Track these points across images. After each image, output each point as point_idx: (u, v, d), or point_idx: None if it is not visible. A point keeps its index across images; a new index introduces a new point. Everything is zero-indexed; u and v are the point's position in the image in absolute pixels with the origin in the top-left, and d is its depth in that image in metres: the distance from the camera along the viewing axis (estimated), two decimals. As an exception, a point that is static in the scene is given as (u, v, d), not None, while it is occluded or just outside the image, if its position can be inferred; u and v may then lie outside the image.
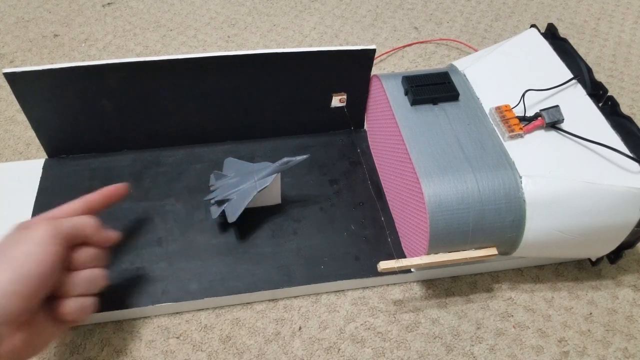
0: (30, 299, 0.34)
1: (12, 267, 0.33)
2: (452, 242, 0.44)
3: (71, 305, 0.37)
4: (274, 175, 0.49)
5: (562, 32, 0.61)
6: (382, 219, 0.53)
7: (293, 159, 0.48)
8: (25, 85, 0.49)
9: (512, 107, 0.48)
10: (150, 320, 0.47)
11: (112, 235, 0.42)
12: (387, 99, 0.51)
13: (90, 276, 0.39)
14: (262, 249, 0.50)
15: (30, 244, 0.35)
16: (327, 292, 0.49)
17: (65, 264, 0.37)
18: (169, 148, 0.58)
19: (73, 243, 0.38)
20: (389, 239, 0.51)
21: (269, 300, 0.48)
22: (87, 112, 0.53)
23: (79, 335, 0.45)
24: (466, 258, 0.45)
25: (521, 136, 0.47)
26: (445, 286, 0.50)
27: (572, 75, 0.52)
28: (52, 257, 0.35)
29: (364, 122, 0.61)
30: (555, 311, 0.49)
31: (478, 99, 0.50)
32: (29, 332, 0.35)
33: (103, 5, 0.82)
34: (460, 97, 0.50)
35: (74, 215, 0.40)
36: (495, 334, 0.47)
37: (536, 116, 0.48)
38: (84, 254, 0.39)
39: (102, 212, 0.52)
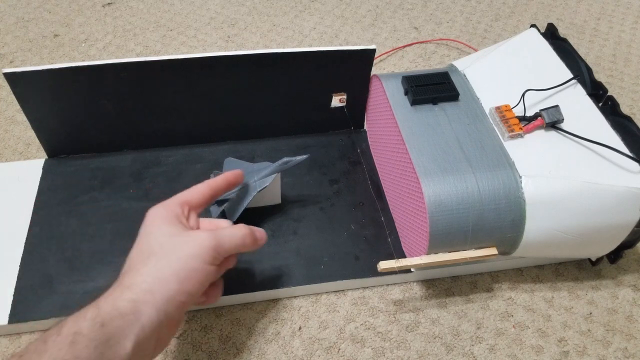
0: (186, 308, 0.36)
1: (180, 279, 0.35)
2: (452, 242, 0.44)
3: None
4: (274, 175, 0.49)
5: (562, 32, 0.61)
6: (382, 219, 0.53)
7: (293, 159, 0.48)
8: (25, 85, 0.49)
9: (512, 107, 0.48)
10: (150, 320, 0.47)
11: (262, 238, 0.42)
12: (387, 99, 0.51)
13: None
14: (262, 249, 0.50)
15: (197, 259, 0.36)
16: (327, 292, 0.49)
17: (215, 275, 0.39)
18: (169, 148, 0.58)
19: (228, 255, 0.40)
20: (389, 239, 0.51)
21: (269, 300, 0.48)
22: (87, 112, 0.53)
23: (79, 335, 0.45)
24: (466, 258, 0.45)
25: (521, 136, 0.47)
26: (445, 286, 0.50)
27: (572, 75, 0.52)
28: (211, 276, 0.37)
29: (364, 122, 0.61)
30: (555, 311, 0.49)
31: (478, 99, 0.50)
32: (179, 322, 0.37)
33: (103, 5, 0.82)
34: (460, 97, 0.50)
35: (202, 198, 0.41)
36: (495, 334, 0.47)
37: (536, 116, 0.48)
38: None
39: (102, 213, 0.52)
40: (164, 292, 0.34)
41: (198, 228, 0.41)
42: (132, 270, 0.35)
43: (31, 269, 0.47)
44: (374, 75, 0.55)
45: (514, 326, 0.48)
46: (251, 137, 0.59)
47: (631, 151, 0.45)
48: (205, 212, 0.52)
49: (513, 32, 0.80)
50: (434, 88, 0.50)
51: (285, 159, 0.48)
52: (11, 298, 0.45)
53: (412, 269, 0.49)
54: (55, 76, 0.49)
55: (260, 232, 0.42)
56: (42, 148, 0.56)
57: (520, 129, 0.47)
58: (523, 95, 0.49)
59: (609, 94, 0.51)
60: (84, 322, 0.31)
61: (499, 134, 0.47)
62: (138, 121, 0.55)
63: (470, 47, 0.77)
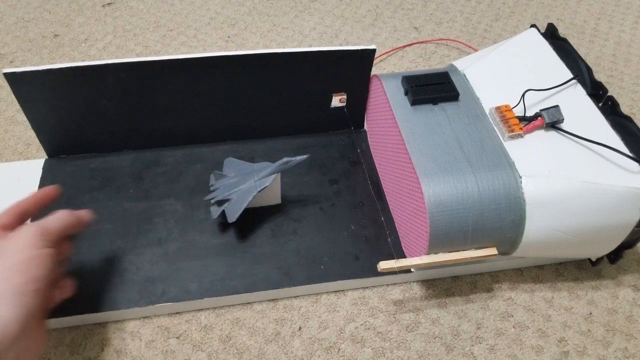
0: (45, 296, 0.36)
1: (21, 270, 0.35)
2: (452, 242, 0.44)
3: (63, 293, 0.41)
4: (274, 175, 0.49)
5: (562, 32, 0.61)
6: (382, 219, 0.53)
7: (293, 159, 0.48)
8: (25, 85, 0.49)
9: (512, 107, 0.48)
10: (150, 320, 0.47)
11: (85, 216, 0.43)
12: (387, 99, 0.51)
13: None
14: (262, 249, 0.50)
15: (29, 248, 0.36)
16: (327, 292, 0.49)
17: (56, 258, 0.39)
18: (169, 148, 0.58)
19: (59, 239, 0.40)
20: (389, 239, 0.51)
21: (269, 300, 0.48)
22: (87, 112, 0.53)
23: (79, 335, 0.45)
24: (466, 258, 0.45)
25: (521, 136, 0.47)
26: (445, 286, 0.50)
27: (572, 75, 0.52)
28: (52, 258, 0.38)
29: (364, 122, 0.61)
30: (555, 311, 0.49)
31: (478, 99, 0.50)
32: (43, 327, 0.37)
33: (103, 5, 0.82)
34: (460, 97, 0.50)
35: (19, 215, 0.41)
36: (495, 334, 0.47)
37: (536, 116, 0.47)
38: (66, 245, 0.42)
39: (101, 213, 0.52)
40: (12, 285, 0.34)
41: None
42: None
43: (31, 269, 0.47)
44: (374, 75, 0.55)
45: (514, 326, 0.48)
46: (251, 137, 0.59)
47: (631, 151, 0.45)
48: (205, 212, 0.52)
49: (513, 32, 0.80)
50: (434, 88, 0.50)
51: (285, 159, 0.48)
52: (11, 298, 0.45)
53: (412, 269, 0.49)
54: (55, 76, 0.49)
55: (82, 212, 0.43)
56: (42, 148, 0.56)
57: (520, 129, 0.47)
58: (523, 95, 0.49)
59: (609, 94, 0.51)
60: None
61: (499, 134, 0.47)
62: (138, 121, 0.55)
63: (470, 47, 0.77)
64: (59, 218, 0.40)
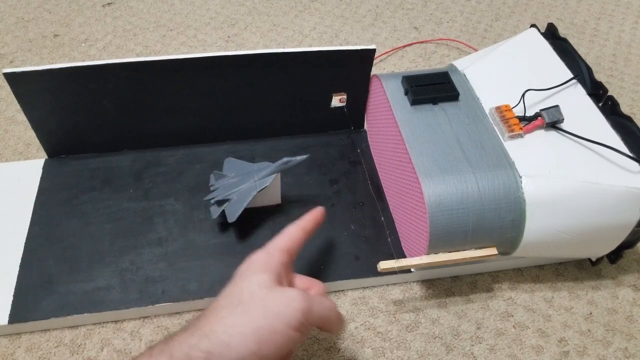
0: None
1: (259, 339, 0.32)
2: (452, 242, 0.44)
3: None
4: (273, 175, 0.49)
5: (562, 32, 0.61)
6: (382, 219, 0.53)
7: (293, 159, 0.48)
8: (25, 85, 0.49)
9: (512, 107, 0.48)
10: (150, 320, 0.47)
11: (344, 325, 0.39)
12: (387, 99, 0.51)
13: None
14: (262, 249, 0.50)
15: (282, 319, 0.33)
16: (327, 292, 0.49)
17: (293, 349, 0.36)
18: (169, 148, 0.58)
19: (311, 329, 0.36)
20: (389, 239, 0.51)
21: (269, 300, 0.48)
22: (87, 112, 0.53)
23: (79, 335, 0.45)
24: (466, 258, 0.45)
25: (521, 136, 0.47)
26: (445, 286, 0.50)
27: (572, 75, 0.52)
28: (292, 344, 0.33)
29: (364, 122, 0.61)
30: (555, 311, 0.49)
31: (478, 98, 0.50)
32: None
33: (103, 5, 0.82)
34: (460, 97, 0.50)
35: (299, 244, 0.39)
36: (495, 334, 0.47)
37: (536, 116, 0.47)
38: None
39: (102, 213, 0.52)
40: (241, 349, 0.31)
41: (292, 284, 0.39)
42: (214, 315, 0.33)
43: (31, 269, 0.47)
44: (374, 75, 0.55)
45: (514, 326, 0.48)
46: (251, 137, 0.59)
47: (631, 151, 0.45)
48: (205, 212, 0.52)
49: (513, 32, 0.80)
50: (434, 88, 0.50)
51: (285, 159, 0.48)
52: (11, 298, 0.45)
53: (412, 269, 0.49)
54: (55, 76, 0.49)
55: (343, 317, 0.38)
56: (42, 148, 0.56)
57: (520, 129, 0.47)
58: (523, 95, 0.49)
59: (609, 93, 0.51)
60: None
61: (499, 134, 0.47)
62: (138, 121, 0.55)
63: (470, 47, 0.77)
64: (327, 306, 0.36)
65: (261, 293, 0.34)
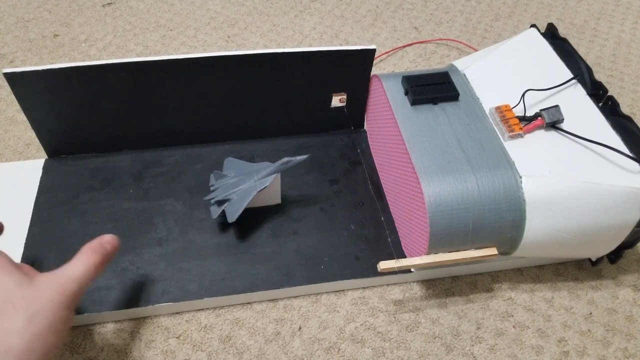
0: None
1: (53, 332, 0.34)
2: (452, 242, 0.44)
3: None
4: (274, 175, 0.49)
5: (562, 32, 0.61)
6: (382, 219, 0.53)
7: (293, 159, 0.48)
8: (25, 85, 0.49)
9: (512, 107, 0.48)
10: (150, 320, 0.47)
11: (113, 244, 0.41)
12: (387, 99, 0.51)
13: None
14: (262, 249, 0.50)
15: (47, 313, 0.34)
16: (327, 292, 0.49)
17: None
18: (169, 148, 0.58)
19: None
20: (389, 239, 0.51)
21: (269, 300, 0.48)
22: (87, 112, 0.53)
23: (79, 335, 0.45)
24: (466, 258, 0.45)
25: (521, 136, 0.47)
26: (445, 286, 0.50)
27: (572, 75, 0.52)
28: (67, 324, 0.36)
29: (364, 122, 0.61)
30: (555, 311, 0.49)
31: (478, 98, 0.50)
32: None
33: (103, 5, 0.82)
34: (460, 97, 0.50)
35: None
36: (495, 334, 0.47)
37: (536, 116, 0.48)
38: None
39: (102, 213, 0.52)
40: (45, 346, 0.33)
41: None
42: None
43: (31, 269, 0.47)
44: (374, 75, 0.55)
45: (514, 326, 0.48)
46: (251, 137, 0.59)
47: (631, 151, 0.45)
48: (205, 212, 0.52)
49: (513, 32, 0.80)
50: (434, 88, 0.50)
51: (285, 159, 0.48)
52: (11, 298, 0.45)
53: (412, 269, 0.49)
54: (55, 76, 0.49)
55: (109, 238, 0.40)
56: (42, 148, 0.56)
57: (521, 129, 0.47)
58: (523, 95, 0.49)
59: (609, 94, 0.51)
60: None
61: (499, 133, 0.47)
62: (138, 121, 0.55)
63: (470, 47, 0.77)
64: (85, 278, 0.37)
65: (16, 288, 0.35)
